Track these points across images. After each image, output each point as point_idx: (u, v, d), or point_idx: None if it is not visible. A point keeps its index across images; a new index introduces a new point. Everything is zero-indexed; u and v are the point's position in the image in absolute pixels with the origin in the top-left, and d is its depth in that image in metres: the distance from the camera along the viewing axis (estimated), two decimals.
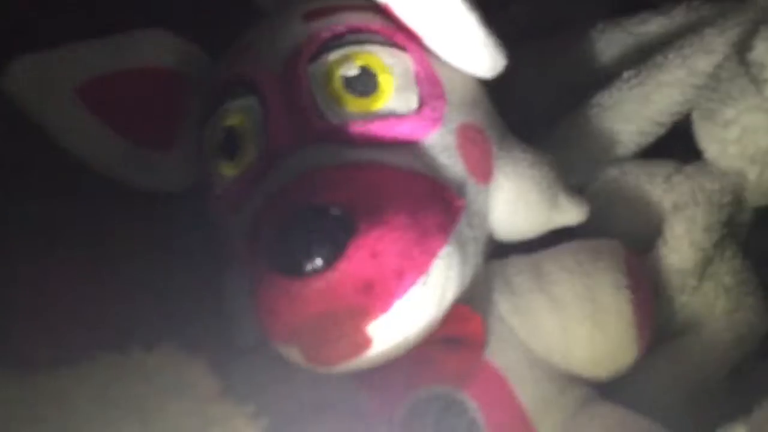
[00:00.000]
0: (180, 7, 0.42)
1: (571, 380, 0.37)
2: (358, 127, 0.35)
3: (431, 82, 0.36)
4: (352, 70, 0.35)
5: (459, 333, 0.35)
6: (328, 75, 0.35)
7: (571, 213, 0.38)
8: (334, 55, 0.36)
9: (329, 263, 0.31)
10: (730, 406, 0.34)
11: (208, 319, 0.38)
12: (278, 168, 0.34)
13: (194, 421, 0.29)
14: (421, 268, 0.33)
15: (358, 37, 0.36)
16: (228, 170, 0.36)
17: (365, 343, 0.32)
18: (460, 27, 0.35)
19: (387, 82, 0.35)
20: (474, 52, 0.36)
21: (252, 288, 0.33)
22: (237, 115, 0.36)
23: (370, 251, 0.32)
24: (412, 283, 0.33)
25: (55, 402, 0.28)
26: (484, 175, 0.37)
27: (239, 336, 0.36)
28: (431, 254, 0.33)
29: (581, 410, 0.36)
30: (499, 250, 0.39)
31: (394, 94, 0.35)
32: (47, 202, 0.38)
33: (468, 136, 0.37)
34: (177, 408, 0.29)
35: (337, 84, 0.35)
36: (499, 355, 0.36)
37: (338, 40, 0.36)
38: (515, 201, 0.37)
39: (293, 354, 0.33)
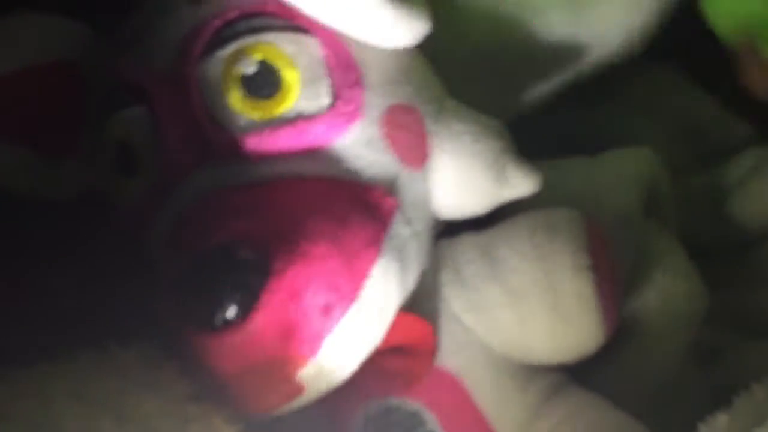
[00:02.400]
0: None
1: (534, 373, 0.34)
2: (261, 138, 0.30)
3: (344, 67, 0.31)
4: (250, 67, 0.30)
5: (408, 341, 0.32)
6: (223, 76, 0.30)
7: (522, 186, 0.34)
8: (227, 50, 0.31)
9: (243, 313, 0.28)
10: (706, 391, 0.32)
11: None
12: (178, 189, 0.30)
13: (172, 418, 0.28)
14: (350, 296, 0.29)
15: (252, 23, 0.31)
16: (127, 188, 0.32)
17: (297, 390, 0.29)
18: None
19: (292, 78, 0.30)
20: (383, 23, 0.31)
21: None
22: (124, 126, 0.32)
23: (288, 293, 0.28)
24: (342, 314, 0.29)
25: (32, 398, 0.28)
26: (419, 158, 0.33)
27: None
28: (361, 277, 0.30)
29: (547, 403, 0.34)
30: (451, 226, 0.35)
31: (302, 92, 0.30)
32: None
33: (395, 122, 0.32)
34: (153, 405, 0.28)
35: (234, 86, 0.30)
36: (453, 358, 0.33)
37: (231, 29, 0.31)
38: (458, 180, 0.33)
39: (230, 402, 0.30)
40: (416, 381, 0.33)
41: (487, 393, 0.33)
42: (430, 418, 0.33)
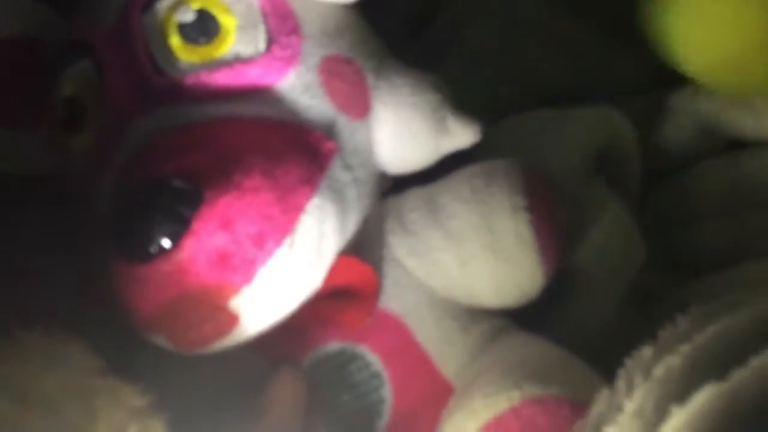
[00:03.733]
0: None
1: (477, 315, 0.34)
2: (202, 80, 0.31)
3: (281, 16, 0.33)
4: (187, 15, 0.32)
5: (350, 285, 0.33)
6: (163, 24, 0.32)
7: (461, 136, 0.35)
8: (167, 1, 0.32)
9: (175, 242, 0.29)
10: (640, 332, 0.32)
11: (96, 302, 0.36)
12: (123, 138, 0.31)
13: (75, 394, 0.28)
14: (284, 227, 0.30)
15: None
16: (76, 145, 0.33)
17: (232, 320, 0.30)
18: None
19: (229, 23, 0.32)
20: None
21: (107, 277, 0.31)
22: (73, 82, 0.33)
23: (220, 221, 0.29)
24: (276, 246, 0.30)
25: None
26: (359, 109, 0.34)
27: None
28: (295, 210, 0.30)
29: (491, 343, 0.34)
30: (401, 183, 0.36)
31: (238, 36, 0.32)
32: None
33: (333, 71, 0.33)
34: (56, 383, 0.28)
35: (174, 33, 0.32)
36: (396, 301, 0.34)
37: None
38: (399, 132, 0.34)
39: (161, 341, 0.31)
40: (360, 324, 0.33)
41: (431, 333, 0.33)
42: (375, 360, 0.33)
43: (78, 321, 0.31)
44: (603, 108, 0.40)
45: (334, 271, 0.32)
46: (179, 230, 0.29)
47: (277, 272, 0.30)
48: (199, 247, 0.29)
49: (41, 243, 0.38)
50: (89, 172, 0.33)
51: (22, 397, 0.27)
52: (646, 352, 0.29)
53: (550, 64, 0.43)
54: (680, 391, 0.25)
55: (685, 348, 0.26)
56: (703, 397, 0.24)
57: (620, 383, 0.27)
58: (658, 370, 0.26)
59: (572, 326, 0.36)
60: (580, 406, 0.29)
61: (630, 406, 0.26)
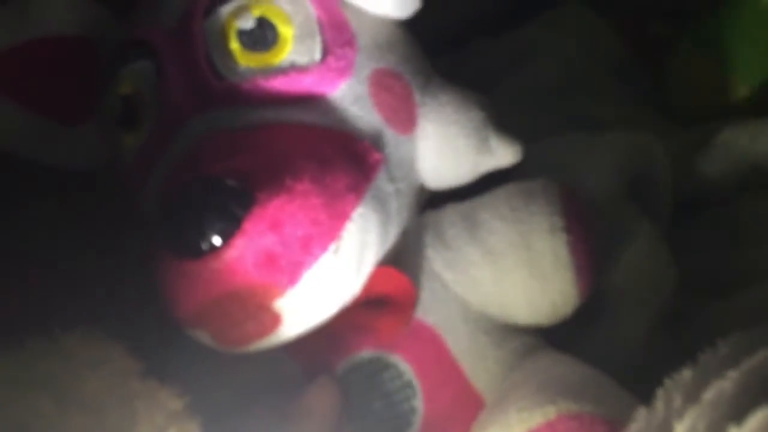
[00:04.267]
0: None
1: (510, 331, 0.35)
2: (258, 85, 0.32)
3: (337, 28, 0.34)
4: (248, 22, 0.33)
5: (387, 294, 0.33)
6: (224, 30, 0.33)
7: (503, 155, 0.35)
8: (228, 7, 0.33)
9: (226, 240, 0.29)
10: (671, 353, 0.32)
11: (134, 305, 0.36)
12: (176, 137, 0.32)
13: (116, 395, 0.29)
14: (330, 233, 0.31)
15: None
16: (130, 141, 0.34)
17: (275, 320, 0.31)
18: None
19: (287, 33, 0.33)
20: None
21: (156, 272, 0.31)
22: (131, 80, 0.34)
23: (270, 222, 0.30)
24: (322, 251, 0.31)
25: None
26: (405, 123, 0.34)
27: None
28: (342, 217, 0.31)
29: (523, 360, 0.34)
30: (438, 199, 0.37)
31: (295, 45, 0.33)
32: None
33: (382, 84, 0.34)
34: (96, 384, 0.29)
35: (234, 39, 0.33)
36: (432, 313, 0.34)
37: None
38: (442, 147, 0.35)
39: (203, 337, 0.31)
40: (396, 333, 0.34)
41: (464, 346, 0.34)
42: (408, 369, 0.34)
43: (116, 323, 0.32)
44: (639, 133, 0.41)
45: (373, 279, 0.33)
46: (230, 229, 0.29)
47: (321, 276, 0.31)
48: (248, 247, 0.29)
49: (80, 244, 0.39)
50: (140, 168, 0.34)
51: (63, 397, 0.28)
52: (687, 374, 0.29)
53: (595, 108, 0.45)
54: (733, 414, 0.26)
55: (734, 374, 0.27)
56: (758, 419, 0.25)
57: (659, 404, 0.28)
58: (708, 394, 0.27)
59: (603, 347, 0.36)
60: (614, 423, 0.29)
61: (680, 428, 0.26)
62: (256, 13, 0.33)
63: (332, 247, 0.31)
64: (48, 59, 0.36)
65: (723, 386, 0.27)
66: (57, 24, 0.37)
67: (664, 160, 0.41)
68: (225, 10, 0.33)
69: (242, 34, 0.33)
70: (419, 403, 0.33)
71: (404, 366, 0.34)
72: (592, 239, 0.35)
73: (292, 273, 0.30)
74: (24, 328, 0.31)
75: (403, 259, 0.34)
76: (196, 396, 0.30)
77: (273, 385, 0.34)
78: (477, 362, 0.34)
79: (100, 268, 0.38)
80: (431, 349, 0.34)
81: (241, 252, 0.29)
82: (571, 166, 0.39)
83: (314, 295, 0.31)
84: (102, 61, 0.37)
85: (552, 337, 0.36)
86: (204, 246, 0.29)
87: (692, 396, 0.28)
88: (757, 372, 0.28)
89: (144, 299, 0.36)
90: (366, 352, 0.34)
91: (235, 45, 0.33)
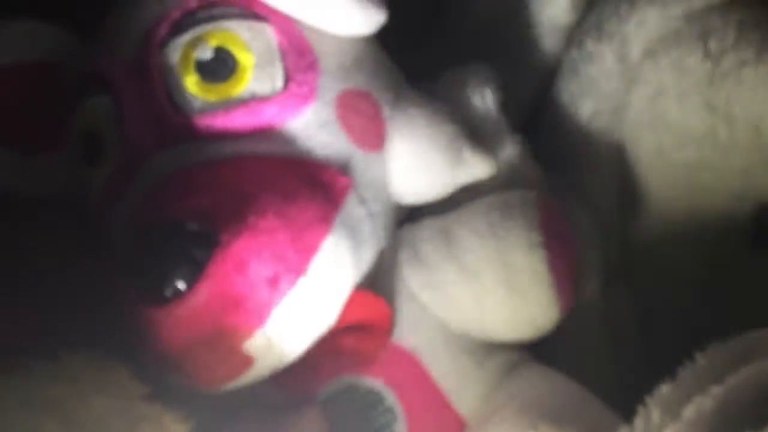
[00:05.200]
0: None
1: (492, 349, 0.34)
2: (218, 118, 0.32)
3: (299, 52, 0.33)
4: (206, 53, 0.32)
5: (364, 319, 0.33)
6: (182, 61, 0.32)
7: (477, 167, 0.35)
8: (185, 38, 0.32)
9: (189, 284, 0.29)
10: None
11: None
12: (139, 174, 0.32)
13: (122, 418, 0.29)
14: (298, 268, 0.30)
15: (211, 12, 0.32)
16: (96, 175, 0.34)
17: (246, 361, 0.30)
18: None
19: (246, 61, 0.32)
20: (340, 11, 0.32)
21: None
22: (90, 116, 0.33)
23: (234, 263, 0.29)
24: (290, 286, 0.30)
25: None
26: (374, 141, 0.34)
27: None
28: (310, 250, 0.30)
29: (505, 378, 0.34)
30: (415, 212, 0.36)
31: (255, 74, 0.32)
32: None
33: (350, 105, 0.33)
34: (103, 407, 0.28)
35: (192, 71, 0.32)
36: (410, 335, 0.34)
37: (190, 19, 0.32)
38: (414, 163, 0.34)
39: (179, 379, 0.31)
40: (373, 358, 0.33)
41: (445, 369, 0.34)
42: (389, 395, 0.33)
43: (119, 345, 0.31)
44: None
45: (348, 305, 0.32)
46: (194, 273, 0.29)
47: (291, 313, 0.30)
48: (213, 291, 0.29)
49: (84, 264, 0.39)
50: (107, 200, 0.33)
51: (70, 419, 0.28)
52: (665, 389, 0.29)
53: None
54: None
55: (717, 390, 0.26)
56: None
57: (638, 421, 0.28)
58: (689, 412, 0.26)
59: (585, 357, 0.36)
60: None
61: None
62: (214, 42, 0.32)
63: (301, 281, 0.30)
64: (6, 89, 0.36)
65: (704, 404, 0.26)
66: (17, 53, 0.36)
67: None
68: (182, 40, 0.32)
69: (200, 66, 0.32)
70: (401, 427, 0.33)
71: (384, 391, 0.33)
72: (571, 253, 0.34)
73: (259, 313, 0.30)
74: (29, 350, 0.31)
75: (378, 280, 0.34)
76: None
77: (254, 412, 0.34)
78: (458, 384, 0.34)
79: (102, 290, 0.39)
80: (411, 373, 0.33)
81: (206, 297, 0.29)
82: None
83: (285, 332, 0.30)
84: (67, 82, 0.36)
85: (534, 346, 0.36)
86: (168, 292, 0.29)
87: (672, 412, 0.27)
88: (741, 389, 0.27)
89: None
90: (345, 378, 0.33)
91: (192, 77, 0.32)
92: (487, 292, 0.34)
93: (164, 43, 0.32)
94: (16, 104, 0.36)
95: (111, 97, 0.33)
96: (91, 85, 0.34)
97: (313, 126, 0.32)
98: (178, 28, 0.32)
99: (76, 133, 0.34)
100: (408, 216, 0.36)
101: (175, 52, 0.32)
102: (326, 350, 0.33)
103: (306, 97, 0.32)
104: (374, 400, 0.33)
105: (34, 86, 0.36)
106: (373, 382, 0.33)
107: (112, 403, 0.29)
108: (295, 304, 0.30)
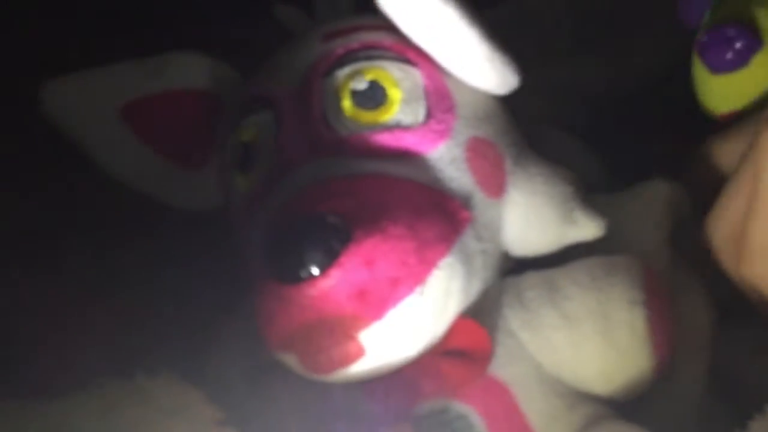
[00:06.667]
0: (215, 31, 0.44)
1: (582, 397, 0.36)
2: (365, 139, 0.36)
3: (440, 96, 0.37)
4: (361, 84, 0.36)
5: (464, 345, 0.35)
6: (339, 89, 0.36)
7: (586, 228, 0.37)
8: (345, 70, 0.37)
9: (323, 270, 0.32)
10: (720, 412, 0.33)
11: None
12: (286, 181, 0.36)
13: None
14: (417, 277, 0.33)
15: (370, 53, 0.37)
16: (243, 184, 0.38)
17: (358, 351, 0.33)
18: (461, 43, 0.36)
19: (395, 95, 0.36)
20: (479, 68, 0.37)
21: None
22: (252, 129, 0.38)
23: (364, 259, 0.32)
24: (408, 291, 0.33)
25: (60, 428, 0.30)
26: (496, 188, 0.37)
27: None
28: (430, 264, 0.33)
29: (591, 427, 0.35)
30: (517, 267, 0.39)
31: (402, 107, 0.36)
32: (52, 224, 0.40)
33: (478, 149, 0.37)
34: (180, 430, 0.30)
35: (347, 97, 0.36)
36: (506, 369, 0.35)
37: (351, 56, 0.37)
38: (528, 215, 0.37)
39: (290, 361, 0.33)
40: (467, 384, 0.35)
41: (536, 406, 0.35)
42: (479, 422, 0.35)
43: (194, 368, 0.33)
44: (657, 181, 0.40)
45: (452, 330, 0.35)
46: (328, 261, 0.32)
47: (404, 316, 0.33)
48: (342, 279, 0.32)
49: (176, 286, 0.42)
50: (248, 209, 0.37)
51: None
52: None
53: None
54: None
55: None
56: None
57: None
58: None
59: (664, 410, 0.36)
60: None
61: None
62: (369, 76, 0.36)
63: (418, 289, 0.33)
64: (179, 109, 0.41)
65: None
66: (191, 79, 0.41)
67: (687, 202, 0.40)
68: (342, 72, 0.37)
69: (355, 94, 0.36)
70: None
71: (475, 418, 0.35)
72: (670, 317, 0.36)
73: (378, 308, 0.32)
74: (103, 371, 0.32)
75: (482, 315, 0.36)
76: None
77: (350, 423, 0.35)
78: (548, 423, 0.35)
79: (191, 314, 0.41)
80: (503, 405, 0.35)
81: (335, 282, 0.32)
82: (616, 224, 0.38)
83: (397, 332, 0.33)
84: (224, 113, 0.41)
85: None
86: (302, 274, 0.32)
87: None
88: None
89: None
90: (439, 401, 0.35)
91: (347, 103, 0.36)
92: (585, 339, 0.35)
93: (327, 73, 0.37)
94: (184, 123, 0.41)
95: (273, 113, 0.37)
96: (255, 104, 0.38)
97: (445, 160, 0.36)
98: (341, 63, 0.37)
99: (237, 144, 0.38)
100: (513, 269, 0.39)
101: (335, 81, 0.37)
102: (426, 370, 0.35)
103: (442, 134, 0.36)
104: (463, 425, 0.35)
105: (199, 110, 0.41)
106: (465, 407, 0.35)
107: (189, 428, 0.30)
108: (410, 309, 0.33)
